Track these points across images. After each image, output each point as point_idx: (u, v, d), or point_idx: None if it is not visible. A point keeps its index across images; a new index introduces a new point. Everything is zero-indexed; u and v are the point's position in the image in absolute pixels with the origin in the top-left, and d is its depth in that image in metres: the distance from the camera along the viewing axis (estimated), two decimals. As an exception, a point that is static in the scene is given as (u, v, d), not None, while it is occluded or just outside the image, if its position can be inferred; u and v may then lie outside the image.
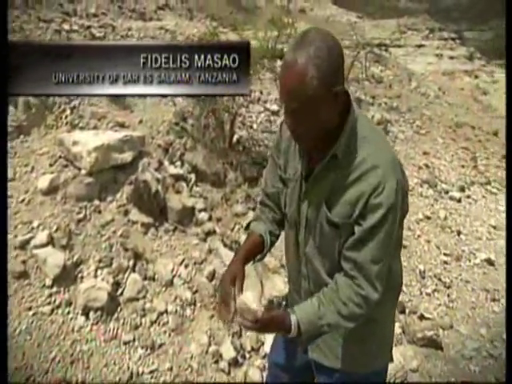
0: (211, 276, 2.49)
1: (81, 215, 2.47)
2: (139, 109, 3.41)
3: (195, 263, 2.56)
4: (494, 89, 9.72)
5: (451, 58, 9.46)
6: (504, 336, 2.85)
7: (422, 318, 2.84)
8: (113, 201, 2.63)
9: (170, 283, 2.39)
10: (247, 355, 2.31)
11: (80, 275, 2.25)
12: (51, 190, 2.49)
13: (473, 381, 2.40)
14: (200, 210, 2.86)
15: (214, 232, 2.82)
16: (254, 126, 3.89)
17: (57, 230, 2.32)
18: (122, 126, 3.08)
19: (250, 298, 0.97)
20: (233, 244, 2.68)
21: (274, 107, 4.40)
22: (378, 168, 0.94)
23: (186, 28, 5.41)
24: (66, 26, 4.00)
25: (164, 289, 2.37)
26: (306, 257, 1.12)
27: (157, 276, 2.40)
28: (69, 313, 2.11)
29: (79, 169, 2.59)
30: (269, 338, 2.39)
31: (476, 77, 9.34)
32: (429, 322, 2.83)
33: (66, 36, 3.81)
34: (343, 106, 0.96)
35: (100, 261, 2.32)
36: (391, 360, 1.23)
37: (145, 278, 2.36)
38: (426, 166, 5.24)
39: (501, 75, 10.41)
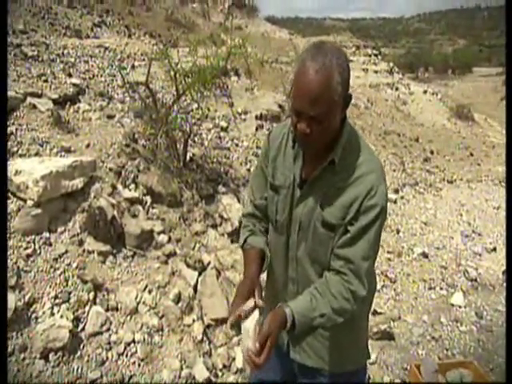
0: (177, 299, 2.44)
1: (29, 250, 2.27)
2: (85, 132, 3.24)
3: (159, 287, 2.48)
4: (411, 99, 10.82)
5: (375, 72, 10.34)
6: (443, 319, 3.17)
7: (375, 313, 3.05)
8: (64, 231, 2.46)
9: (134, 311, 2.29)
10: (219, 373, 2.29)
11: (34, 316, 2.06)
12: (-7, 226, 2.25)
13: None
14: (159, 233, 2.79)
15: (175, 253, 2.76)
16: (206, 143, 3.90)
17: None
18: (67, 151, 2.89)
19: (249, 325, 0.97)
20: (196, 264, 2.65)
21: (223, 123, 4.45)
22: (372, 173, 1.02)
23: (126, 46, 5.25)
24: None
25: (129, 318, 2.26)
26: (297, 260, 1.14)
27: (120, 305, 2.28)
28: (24, 359, 1.92)
29: (24, 200, 2.38)
30: (240, 354, 2.40)
31: (396, 89, 10.30)
32: (382, 316, 3.05)
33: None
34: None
35: (56, 297, 2.15)
36: (369, 357, 1.30)
37: (107, 309, 2.24)
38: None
39: (416, 88, 11.65)
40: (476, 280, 3.67)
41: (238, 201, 3.29)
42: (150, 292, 2.42)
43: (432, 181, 6.30)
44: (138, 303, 2.33)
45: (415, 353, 2.78)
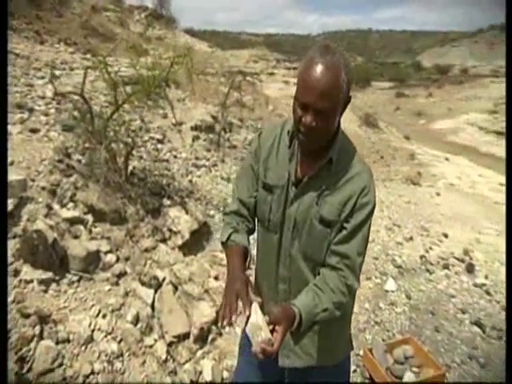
0: (135, 320, 2.29)
1: (-48, 287, 1.92)
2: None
3: (113, 310, 2.30)
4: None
5: (295, 84, 11.03)
6: (381, 305, 3.52)
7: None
8: (-5, 261, 2.14)
9: (89, 340, 2.09)
10: (187, 390, 2.22)
11: (-34, 362, 1.75)
12: None
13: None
14: (105, 253, 2.59)
15: (126, 273, 2.60)
16: (144, 155, 3.74)
17: None
18: (-12, 169, 2.52)
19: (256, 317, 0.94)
20: (151, 281, 2.53)
21: (159, 136, 4.32)
22: (364, 172, 1.08)
23: (40, 53, 4.77)
24: None
25: (84, 348, 2.05)
26: (291, 258, 1.14)
27: (72, 336, 2.06)
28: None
29: None
30: (206, 367, 2.35)
31: (314, 100, 11.11)
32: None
33: None
34: None
35: (-7, 337, 1.85)
36: (352, 348, 1.37)
37: (58, 342, 2.00)
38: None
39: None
40: (401, 266, 4.16)
41: (186, 212, 3.23)
42: (104, 317, 2.23)
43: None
44: (92, 330, 2.13)
45: (363, 338, 3.03)
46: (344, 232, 1.07)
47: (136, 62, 2.90)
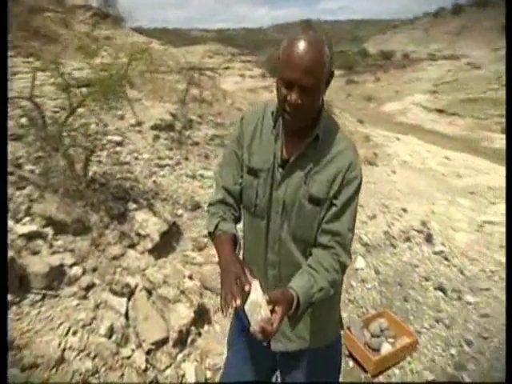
0: (109, 332, 2.13)
1: None
2: None
3: (84, 326, 2.12)
4: (284, 99, 11.84)
5: (251, 77, 10.91)
6: (353, 283, 3.58)
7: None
8: None
9: (60, 360, 1.91)
10: (171, 397, 2.11)
11: None
12: None
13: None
14: (70, 266, 2.38)
15: (94, 284, 2.41)
16: (103, 159, 3.50)
17: None
18: None
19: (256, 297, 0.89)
20: (123, 289, 2.36)
21: (117, 138, 4.06)
22: (349, 149, 1.05)
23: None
24: None
25: (55, 370, 1.87)
26: (280, 241, 1.10)
27: (40, 360, 1.87)
28: None
29: None
30: (188, 369, 2.25)
31: (271, 91, 11.09)
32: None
33: None
34: None
35: None
36: (342, 327, 1.33)
37: (24, 369, 1.81)
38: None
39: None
40: (368, 244, 4.25)
41: (154, 214, 3.06)
42: (74, 334, 2.05)
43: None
44: (62, 350, 1.95)
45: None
46: (334, 209, 1.03)
47: (91, 63, 2.66)
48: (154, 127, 4.77)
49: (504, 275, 4.29)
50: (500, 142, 21.21)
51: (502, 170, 12.59)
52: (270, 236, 1.12)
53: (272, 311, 0.89)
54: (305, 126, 1.03)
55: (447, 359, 2.70)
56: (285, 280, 1.06)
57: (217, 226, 1.11)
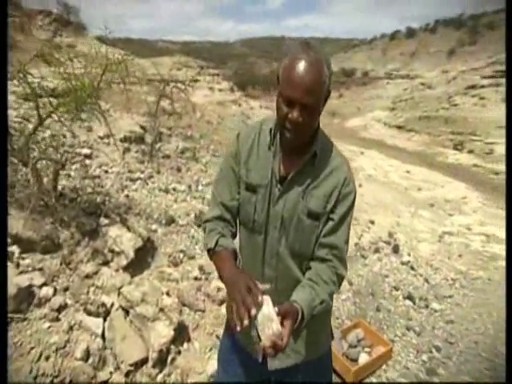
0: (85, 355, 2.04)
1: None
2: None
3: (57, 349, 2.02)
4: (252, 113, 12.05)
5: (220, 90, 11.03)
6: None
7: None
8: None
9: (33, 389, 1.80)
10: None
11: None
12: None
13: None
14: (39, 286, 2.27)
15: (66, 305, 2.30)
16: (72, 173, 3.37)
17: None
18: None
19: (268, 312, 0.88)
20: (99, 309, 2.28)
21: (86, 151, 3.94)
22: (344, 164, 1.11)
23: None
24: None
25: (28, 400, 1.76)
26: (278, 256, 1.12)
27: (11, 389, 1.75)
28: None
29: None
30: (170, 390, 2.20)
31: (239, 105, 11.26)
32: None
33: None
34: None
35: None
36: (332, 337, 1.37)
37: (-8, 401, 1.68)
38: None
39: (254, 103, 13.05)
40: (340, 256, 4.41)
41: (128, 230, 2.99)
42: (47, 359, 1.94)
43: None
44: (34, 378, 1.84)
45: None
46: (331, 223, 1.08)
47: (61, 72, 2.59)
48: (124, 139, 4.68)
49: (465, 283, 4.62)
50: (452, 157, 22.93)
51: (456, 183, 13.61)
52: (267, 251, 1.14)
53: (281, 325, 0.89)
54: (303, 142, 1.07)
55: (420, 365, 2.85)
56: (281, 294, 1.07)
57: (217, 242, 1.11)
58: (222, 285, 3.09)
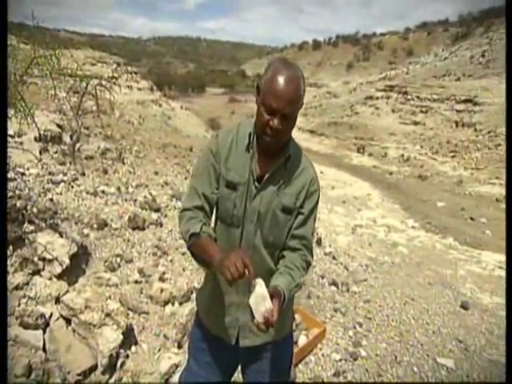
0: (27, 371, 1.88)
1: None
2: None
3: None
4: (174, 114, 11.85)
5: (139, 89, 10.57)
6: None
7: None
8: None
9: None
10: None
11: None
12: None
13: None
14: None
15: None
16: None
17: None
18: None
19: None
20: (37, 320, 2.11)
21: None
22: (310, 166, 1.29)
23: None
24: None
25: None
26: (254, 248, 1.24)
27: None
28: None
29: None
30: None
31: (160, 105, 10.97)
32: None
33: None
34: None
35: None
36: (294, 318, 1.57)
37: None
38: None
39: (174, 104, 12.81)
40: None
41: (60, 235, 2.80)
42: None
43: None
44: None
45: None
46: (300, 217, 1.26)
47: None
48: (39, 139, 4.27)
49: (375, 267, 5.38)
50: (356, 159, 25.95)
51: (361, 183, 15.46)
52: (243, 243, 1.25)
53: None
54: (279, 147, 1.22)
55: (347, 340, 3.28)
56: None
57: (201, 228, 1.19)
58: (164, 286, 3.09)
